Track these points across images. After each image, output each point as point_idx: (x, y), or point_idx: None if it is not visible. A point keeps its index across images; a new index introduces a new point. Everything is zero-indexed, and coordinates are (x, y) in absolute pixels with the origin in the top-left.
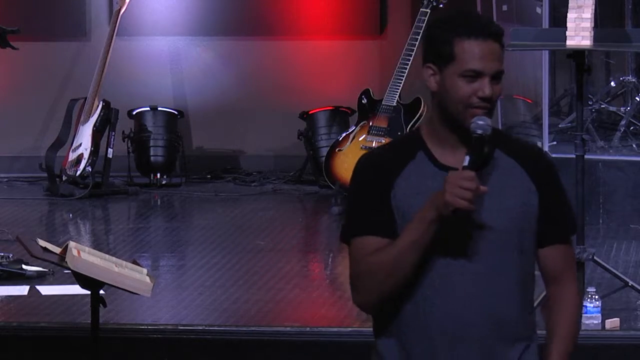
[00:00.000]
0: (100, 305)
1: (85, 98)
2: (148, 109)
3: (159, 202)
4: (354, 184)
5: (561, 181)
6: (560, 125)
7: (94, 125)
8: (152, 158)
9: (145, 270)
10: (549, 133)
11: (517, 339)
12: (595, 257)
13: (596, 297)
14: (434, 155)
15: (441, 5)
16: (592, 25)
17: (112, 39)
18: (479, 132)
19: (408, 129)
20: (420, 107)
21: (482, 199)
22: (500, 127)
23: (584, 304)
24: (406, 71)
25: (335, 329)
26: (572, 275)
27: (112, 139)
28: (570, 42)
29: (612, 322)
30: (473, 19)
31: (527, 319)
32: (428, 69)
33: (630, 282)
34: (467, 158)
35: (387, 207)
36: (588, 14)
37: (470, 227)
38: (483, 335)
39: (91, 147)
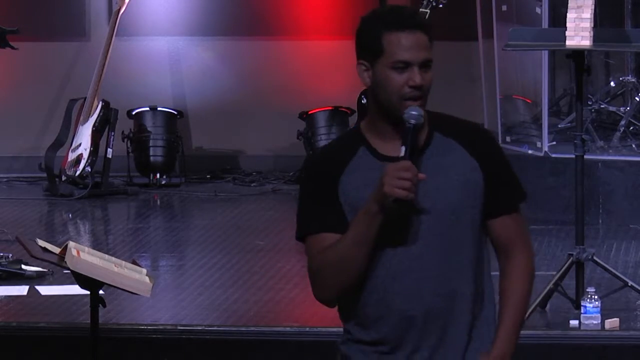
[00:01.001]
0: (100, 305)
1: (85, 98)
2: (147, 109)
3: (158, 202)
4: (302, 183)
5: (503, 153)
6: (559, 126)
7: (94, 125)
8: (151, 158)
9: (144, 271)
10: (549, 133)
11: (473, 311)
12: (594, 257)
13: (596, 297)
14: (375, 148)
15: (440, 6)
16: (592, 25)
17: (111, 39)
18: (412, 121)
19: None
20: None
21: (426, 183)
22: (499, 126)
23: (584, 304)
24: None
25: (335, 329)
26: (523, 242)
27: (111, 139)
28: (570, 42)
29: (612, 322)
30: (398, 12)
31: (484, 292)
32: (361, 65)
33: (630, 282)
34: (403, 148)
35: (335, 203)
36: (587, 14)
37: (418, 211)
38: (442, 314)
39: (90, 147)
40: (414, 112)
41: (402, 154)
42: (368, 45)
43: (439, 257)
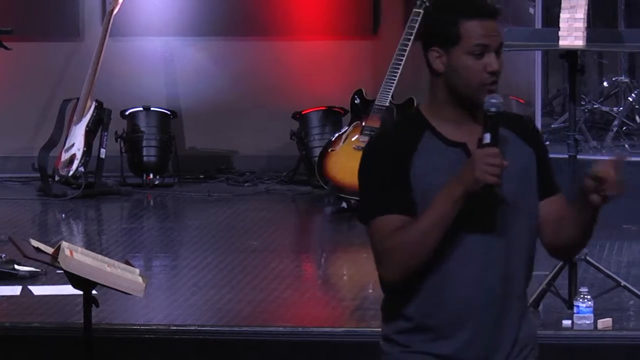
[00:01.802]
0: (93, 305)
1: (78, 98)
2: (141, 109)
3: (151, 203)
4: (370, 165)
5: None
6: (553, 126)
7: (87, 126)
8: (144, 158)
9: (137, 271)
10: (542, 133)
11: (522, 297)
12: (587, 258)
13: (589, 297)
14: (440, 133)
15: None
16: (585, 25)
17: (104, 40)
18: (493, 110)
19: None
20: (412, 107)
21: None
22: None
23: (576, 304)
24: (399, 71)
25: (328, 329)
26: None
27: (104, 139)
28: (563, 42)
29: (605, 322)
30: (470, 0)
31: (529, 279)
32: (433, 52)
33: (623, 283)
34: (487, 136)
35: (406, 186)
36: (581, 14)
37: (490, 199)
38: (500, 300)
39: (84, 147)
40: (494, 101)
41: (487, 140)
42: (443, 32)
43: (504, 242)
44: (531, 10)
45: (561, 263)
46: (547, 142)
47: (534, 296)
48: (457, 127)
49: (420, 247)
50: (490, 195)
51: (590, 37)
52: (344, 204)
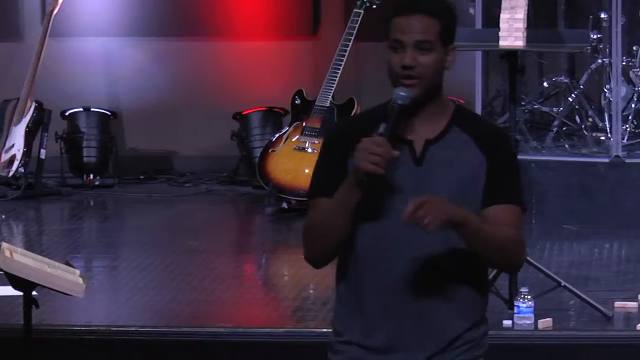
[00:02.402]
0: (33, 306)
1: (18, 99)
2: (81, 109)
3: (92, 203)
4: (322, 147)
5: (515, 161)
6: None
7: (27, 126)
8: (85, 159)
9: (78, 272)
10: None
11: (453, 297)
12: (528, 258)
13: (529, 297)
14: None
15: (374, 6)
16: (525, 26)
17: (44, 40)
18: (399, 102)
19: None
20: (353, 108)
21: (431, 173)
22: None
23: (517, 304)
24: (339, 72)
25: (269, 330)
26: (515, 227)
27: (45, 140)
28: (503, 43)
29: (545, 322)
30: None
31: (470, 293)
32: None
33: (563, 283)
34: (383, 125)
35: (342, 173)
36: (521, 14)
37: (392, 189)
38: (416, 301)
39: (24, 148)
40: (402, 93)
41: (381, 130)
42: (386, 29)
43: (433, 243)
44: (471, 10)
45: None
46: None
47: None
48: (410, 123)
49: (325, 227)
50: (381, 185)
51: (530, 37)
52: (285, 204)
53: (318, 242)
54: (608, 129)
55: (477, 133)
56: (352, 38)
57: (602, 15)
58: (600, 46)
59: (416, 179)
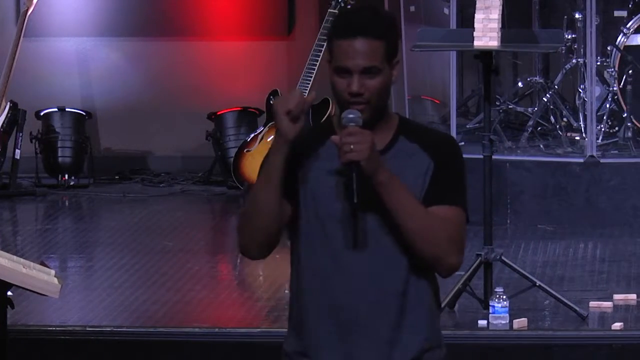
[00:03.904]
0: (8, 306)
1: None
2: (56, 110)
3: (67, 203)
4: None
5: (462, 167)
6: (467, 126)
7: (1, 126)
8: (60, 159)
9: (53, 272)
10: (457, 133)
11: (400, 313)
12: (503, 258)
13: (504, 297)
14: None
15: (349, 7)
16: (500, 26)
17: (19, 40)
18: (351, 125)
19: None
20: (328, 108)
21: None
22: None
23: (492, 304)
24: (314, 72)
25: (244, 330)
26: (453, 225)
27: (19, 140)
28: (478, 43)
29: (520, 322)
30: (346, 17)
31: (414, 298)
32: (329, 64)
33: (538, 282)
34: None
35: (290, 174)
36: (495, 14)
37: (369, 207)
38: (371, 311)
39: None
40: (351, 116)
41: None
42: (328, 48)
43: (379, 254)
44: (446, 10)
45: (477, 263)
46: (462, 143)
47: (450, 296)
48: None
49: (253, 208)
50: (365, 202)
51: (504, 37)
52: None
53: (248, 227)
54: (582, 129)
55: (423, 140)
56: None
57: (577, 16)
58: (575, 46)
59: (368, 191)
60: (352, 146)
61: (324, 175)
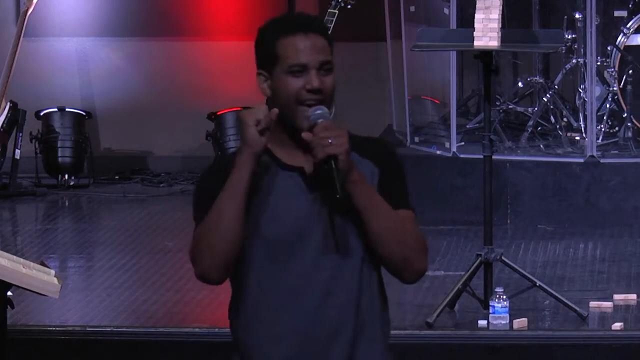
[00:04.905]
0: (8, 306)
1: None
2: (56, 110)
3: (67, 203)
4: (206, 176)
5: (402, 166)
6: (468, 126)
7: (1, 126)
8: (59, 159)
9: (53, 272)
10: (457, 134)
11: (355, 327)
12: (503, 258)
13: (504, 297)
14: (276, 156)
15: (349, 6)
16: (500, 26)
17: (19, 40)
18: (320, 121)
19: None
20: None
21: (339, 198)
22: (408, 127)
23: (492, 304)
24: None
25: None
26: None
27: (19, 140)
28: (478, 43)
29: (520, 322)
30: (291, 17)
31: (370, 306)
32: (260, 76)
33: (538, 282)
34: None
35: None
36: (495, 14)
37: (318, 218)
38: (330, 327)
39: None
40: (319, 112)
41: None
42: (265, 54)
43: (335, 262)
44: (446, 10)
45: (477, 263)
46: (462, 143)
47: (450, 296)
48: (294, 152)
49: (213, 228)
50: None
51: (504, 37)
52: None
53: (207, 249)
54: (583, 129)
55: (364, 148)
56: None
57: (577, 16)
58: (575, 46)
59: (312, 206)
60: (329, 140)
61: (266, 194)
